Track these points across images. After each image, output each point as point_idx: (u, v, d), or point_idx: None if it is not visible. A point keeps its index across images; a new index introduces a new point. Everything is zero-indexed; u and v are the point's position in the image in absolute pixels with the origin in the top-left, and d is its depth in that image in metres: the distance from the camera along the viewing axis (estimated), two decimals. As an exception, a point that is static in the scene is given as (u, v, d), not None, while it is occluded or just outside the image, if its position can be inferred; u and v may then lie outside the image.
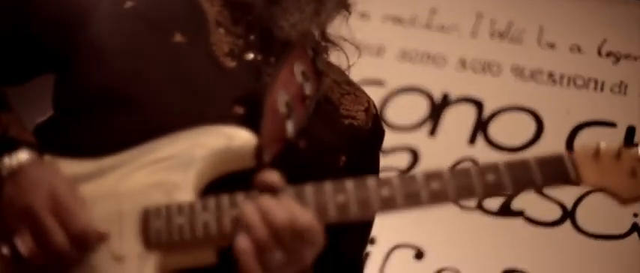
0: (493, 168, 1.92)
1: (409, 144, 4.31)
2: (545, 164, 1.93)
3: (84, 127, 2.07)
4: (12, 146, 1.96)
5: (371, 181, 1.90)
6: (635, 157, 1.94)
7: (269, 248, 1.82)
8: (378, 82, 4.38)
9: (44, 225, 1.82)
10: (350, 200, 1.89)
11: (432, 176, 1.91)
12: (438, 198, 1.90)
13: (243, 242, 1.82)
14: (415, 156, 4.34)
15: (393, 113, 4.37)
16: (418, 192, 1.89)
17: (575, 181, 1.93)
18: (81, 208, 1.86)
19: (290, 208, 1.85)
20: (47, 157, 1.99)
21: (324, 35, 2.39)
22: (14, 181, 1.89)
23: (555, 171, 1.92)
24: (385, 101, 4.41)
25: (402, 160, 4.29)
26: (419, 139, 4.37)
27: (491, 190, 1.92)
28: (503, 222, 4.06)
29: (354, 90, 2.44)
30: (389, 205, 1.89)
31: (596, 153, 1.94)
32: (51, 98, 2.22)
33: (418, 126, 4.42)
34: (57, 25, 2.13)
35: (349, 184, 1.90)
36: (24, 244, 1.81)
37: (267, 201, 1.86)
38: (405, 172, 4.21)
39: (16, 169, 1.91)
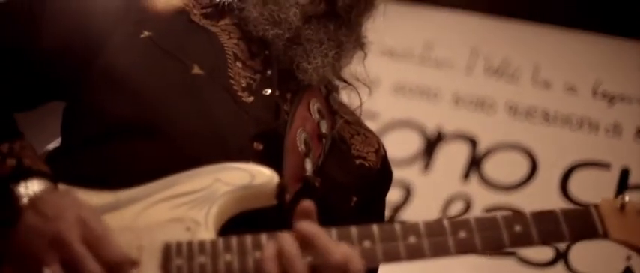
0: (520, 218, 1.90)
1: (402, 179, 4.28)
2: (572, 217, 1.91)
3: (100, 157, 2.04)
4: (27, 176, 1.91)
5: (397, 228, 1.88)
6: (660, 213, 1.92)
7: None
8: (371, 116, 4.35)
9: (77, 254, 1.76)
10: (376, 247, 1.86)
11: (458, 225, 1.89)
12: (465, 248, 1.88)
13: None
14: (408, 191, 4.32)
15: (386, 147, 4.33)
16: (446, 241, 1.87)
17: (602, 236, 1.91)
18: (111, 236, 1.82)
19: (344, 250, 1.83)
20: (62, 187, 1.94)
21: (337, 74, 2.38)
22: (36, 210, 1.83)
23: (583, 225, 1.91)
24: (378, 134, 4.37)
25: (395, 195, 4.26)
26: (412, 174, 4.35)
27: (518, 241, 1.90)
28: (496, 262, 4.03)
29: (364, 130, 2.44)
30: (416, 253, 1.87)
31: (622, 207, 1.92)
32: (59, 125, 2.20)
33: (412, 161, 4.40)
34: (68, 52, 2.10)
35: (375, 229, 1.88)
36: None
37: (325, 239, 1.83)
38: (398, 208, 4.19)
39: (35, 198, 1.86)
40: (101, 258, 1.77)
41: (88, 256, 1.76)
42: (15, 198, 1.86)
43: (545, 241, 1.90)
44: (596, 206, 1.92)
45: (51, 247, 1.77)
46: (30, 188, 1.88)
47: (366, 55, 2.37)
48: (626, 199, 1.93)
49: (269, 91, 2.17)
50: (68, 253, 1.76)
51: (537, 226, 1.89)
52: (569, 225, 1.90)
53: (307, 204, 1.86)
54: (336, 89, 2.42)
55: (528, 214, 1.90)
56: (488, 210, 4.18)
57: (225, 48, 2.19)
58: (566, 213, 1.91)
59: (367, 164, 2.35)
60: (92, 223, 1.81)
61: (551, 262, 4.05)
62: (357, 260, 1.83)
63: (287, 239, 1.82)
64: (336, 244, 1.82)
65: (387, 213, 2.54)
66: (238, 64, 2.18)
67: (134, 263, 1.82)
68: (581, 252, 4.00)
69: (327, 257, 1.80)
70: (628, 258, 3.92)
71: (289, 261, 1.79)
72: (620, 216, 1.92)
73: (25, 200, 1.86)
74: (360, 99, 2.46)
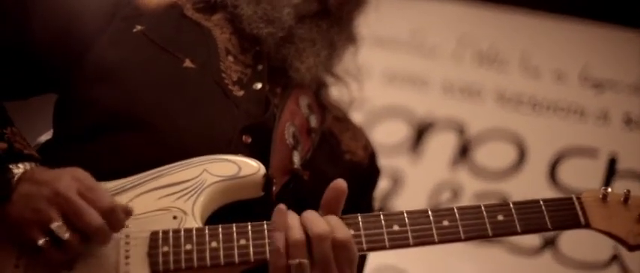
0: (504, 208, 1.92)
1: (391, 166, 4.29)
2: (555, 207, 1.94)
3: (90, 149, 2.07)
4: (18, 159, 1.95)
5: (381, 217, 1.91)
6: (641, 203, 1.95)
7: (301, 254, 1.85)
8: (360, 104, 4.34)
9: (77, 205, 1.82)
10: (361, 235, 1.89)
11: (442, 214, 1.92)
12: (448, 237, 1.91)
13: (278, 241, 1.86)
14: (397, 179, 4.33)
15: (375, 135, 4.34)
16: (429, 230, 1.90)
17: (584, 226, 1.94)
18: (102, 188, 1.88)
19: (331, 221, 1.89)
20: None
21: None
22: (31, 180, 1.88)
23: (565, 215, 1.94)
24: (367, 122, 4.38)
25: (384, 182, 4.26)
26: (401, 162, 4.36)
27: (501, 231, 1.92)
28: (483, 249, 4.04)
29: (352, 126, 2.47)
30: (399, 242, 1.90)
31: (604, 197, 1.95)
32: (51, 117, 2.22)
33: (400, 149, 4.40)
34: (59, 44, 2.12)
35: (360, 218, 1.92)
36: (62, 228, 1.81)
37: (311, 213, 1.90)
38: (387, 196, 4.20)
39: (27, 173, 1.91)
40: (97, 208, 1.83)
41: (87, 207, 1.82)
42: (8, 176, 1.89)
43: (527, 231, 1.93)
44: (578, 196, 1.95)
45: (51, 205, 1.82)
46: (21, 168, 1.93)
47: (357, 50, 2.40)
48: (609, 189, 1.95)
49: (260, 85, 2.20)
50: (67, 206, 1.82)
51: (520, 216, 1.92)
52: (551, 215, 1.93)
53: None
54: (325, 85, 2.44)
55: (511, 203, 1.92)
56: (478, 197, 4.19)
57: (218, 42, 2.22)
58: (549, 203, 1.94)
59: (356, 159, 2.37)
60: (85, 179, 1.86)
61: (540, 250, 4.06)
62: (343, 229, 1.88)
63: (292, 216, 1.90)
64: (318, 217, 1.89)
65: (376, 201, 2.56)
66: (230, 58, 2.20)
67: (129, 211, 1.89)
68: (570, 239, 4.01)
69: (310, 229, 1.87)
70: (616, 246, 3.92)
71: (290, 231, 1.87)
72: (603, 206, 1.94)
73: (17, 177, 1.90)
74: (351, 94, 2.49)
